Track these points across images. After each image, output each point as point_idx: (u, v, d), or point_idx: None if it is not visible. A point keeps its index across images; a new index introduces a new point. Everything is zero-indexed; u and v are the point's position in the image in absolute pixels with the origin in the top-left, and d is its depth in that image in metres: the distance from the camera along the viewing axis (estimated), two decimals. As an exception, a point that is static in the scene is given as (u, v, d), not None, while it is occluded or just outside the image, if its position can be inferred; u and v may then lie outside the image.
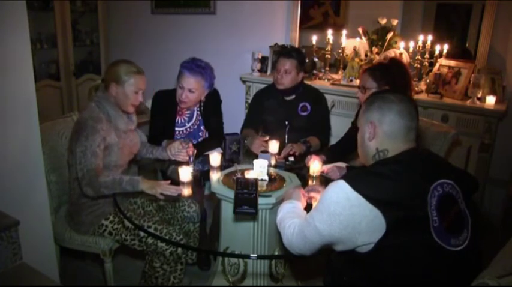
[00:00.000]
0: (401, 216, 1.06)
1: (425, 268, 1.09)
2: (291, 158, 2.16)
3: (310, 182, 1.98)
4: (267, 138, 2.23)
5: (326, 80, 3.22)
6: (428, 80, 2.98)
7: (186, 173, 1.83)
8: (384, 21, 3.15)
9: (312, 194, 1.56)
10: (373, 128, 1.23)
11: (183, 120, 2.38)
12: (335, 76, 3.28)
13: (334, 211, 1.11)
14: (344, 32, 3.15)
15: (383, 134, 1.22)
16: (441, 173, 1.16)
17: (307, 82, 2.68)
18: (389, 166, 1.16)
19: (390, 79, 1.97)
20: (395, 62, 2.10)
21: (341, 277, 1.23)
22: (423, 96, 2.85)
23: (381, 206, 1.06)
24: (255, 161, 1.76)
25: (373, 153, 1.25)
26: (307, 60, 3.30)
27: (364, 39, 3.21)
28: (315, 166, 2.00)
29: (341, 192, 1.11)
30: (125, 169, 1.98)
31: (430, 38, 2.96)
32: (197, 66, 2.22)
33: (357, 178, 1.13)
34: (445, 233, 1.09)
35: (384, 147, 1.22)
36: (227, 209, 1.68)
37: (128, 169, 2.06)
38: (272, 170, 1.89)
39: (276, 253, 1.76)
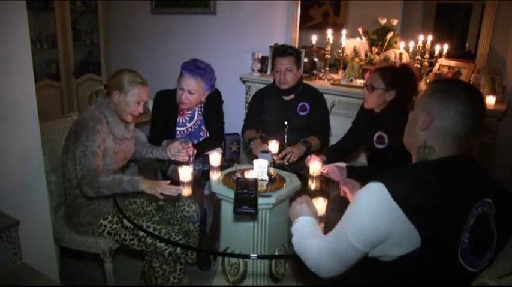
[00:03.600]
0: (436, 234, 0.99)
1: (439, 284, 1.04)
2: (286, 163, 2.15)
3: (310, 182, 1.98)
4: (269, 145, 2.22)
5: (326, 80, 3.22)
6: (428, 80, 2.98)
7: (186, 173, 1.83)
8: (383, 21, 3.15)
9: (347, 189, 1.55)
10: (431, 119, 1.10)
11: (184, 120, 2.38)
12: (335, 76, 3.28)
13: (369, 222, 1.01)
14: (344, 32, 3.15)
15: (437, 129, 1.10)
16: (484, 190, 1.07)
17: (307, 82, 2.68)
18: (431, 172, 1.06)
19: (400, 84, 1.96)
20: (408, 69, 2.07)
21: (343, 277, 1.21)
22: (423, 96, 2.85)
23: (420, 222, 0.98)
24: (255, 161, 1.76)
25: (420, 145, 1.13)
26: (306, 60, 3.31)
27: (364, 39, 3.21)
28: (315, 166, 2.00)
29: (380, 201, 1.00)
30: (118, 173, 1.97)
31: (430, 38, 2.97)
32: (197, 68, 2.21)
33: (398, 186, 1.01)
34: (470, 254, 1.02)
35: (432, 143, 1.10)
36: (227, 209, 1.67)
37: (125, 170, 2.06)
38: (272, 170, 1.89)
39: (276, 253, 1.76)
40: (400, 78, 1.98)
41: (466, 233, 1.01)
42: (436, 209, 0.99)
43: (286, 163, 2.13)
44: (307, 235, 1.20)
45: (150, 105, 2.49)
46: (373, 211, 1.01)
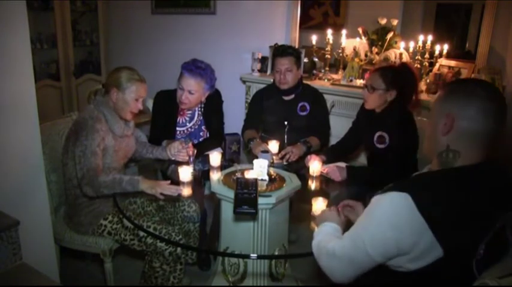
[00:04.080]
0: (457, 245, 0.97)
1: None
2: (285, 163, 2.14)
3: (310, 182, 1.98)
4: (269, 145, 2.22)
5: (326, 80, 3.22)
6: (428, 80, 2.98)
7: (186, 173, 1.83)
8: (383, 21, 3.16)
9: (348, 212, 1.40)
10: (451, 121, 1.03)
11: (184, 120, 2.38)
12: (335, 76, 3.28)
13: (391, 236, 0.97)
14: (344, 32, 3.15)
15: (460, 131, 1.03)
16: (509, 202, 1.02)
17: (307, 82, 2.68)
18: (456, 185, 1.01)
19: (400, 84, 1.96)
20: (407, 68, 2.06)
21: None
22: (423, 97, 2.85)
23: (443, 235, 0.95)
24: (255, 161, 1.76)
25: (442, 149, 1.06)
26: (306, 60, 3.31)
27: (364, 39, 3.21)
28: (315, 166, 2.00)
29: (405, 212, 0.96)
30: (120, 171, 1.97)
31: (430, 38, 2.97)
32: (197, 68, 2.21)
33: (424, 198, 0.97)
34: (483, 265, 1.00)
35: (457, 147, 1.03)
36: (227, 209, 1.67)
37: (125, 170, 2.06)
38: (272, 170, 1.89)
39: (276, 253, 1.76)
40: (400, 77, 1.97)
41: (482, 245, 0.98)
42: (460, 223, 0.97)
43: (285, 163, 2.13)
44: (328, 240, 1.16)
45: (150, 105, 2.49)
46: (397, 224, 0.96)
